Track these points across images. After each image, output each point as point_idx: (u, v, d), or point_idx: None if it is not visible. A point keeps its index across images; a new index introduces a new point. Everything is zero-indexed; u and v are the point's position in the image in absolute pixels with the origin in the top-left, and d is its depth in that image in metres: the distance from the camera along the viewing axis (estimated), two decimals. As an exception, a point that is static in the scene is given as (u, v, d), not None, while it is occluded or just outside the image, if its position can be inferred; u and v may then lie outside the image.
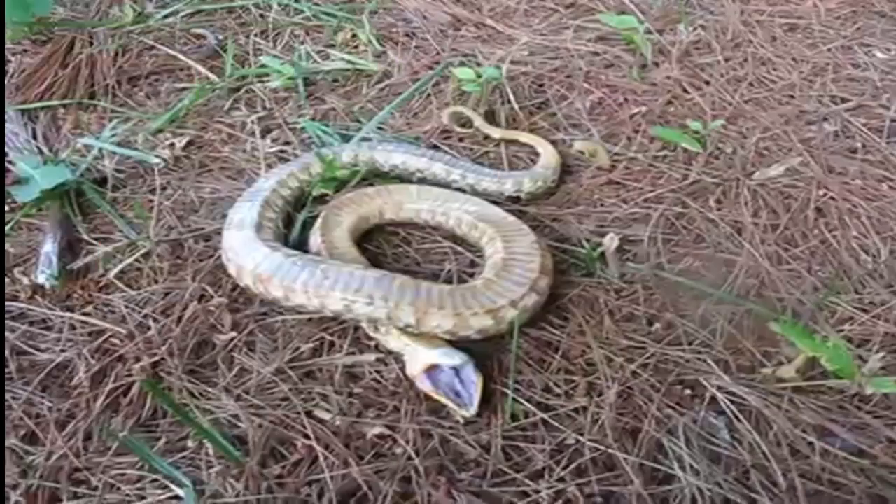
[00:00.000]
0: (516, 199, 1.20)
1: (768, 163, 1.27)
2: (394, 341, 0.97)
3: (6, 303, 1.03)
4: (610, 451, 0.87)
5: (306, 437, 0.88)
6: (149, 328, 1.00)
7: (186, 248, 1.11)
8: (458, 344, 0.95)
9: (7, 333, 1.00)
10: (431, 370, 0.92)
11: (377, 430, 0.89)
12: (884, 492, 0.84)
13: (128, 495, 0.84)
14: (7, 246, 1.13)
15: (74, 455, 0.87)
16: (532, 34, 1.58)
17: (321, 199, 1.19)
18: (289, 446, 0.88)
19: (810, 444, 0.88)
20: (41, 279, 1.06)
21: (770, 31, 1.60)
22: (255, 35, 1.58)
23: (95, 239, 1.14)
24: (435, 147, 1.30)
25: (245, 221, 1.06)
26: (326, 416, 0.91)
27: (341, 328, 1.00)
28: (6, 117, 1.36)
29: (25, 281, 1.06)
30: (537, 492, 0.84)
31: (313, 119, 1.36)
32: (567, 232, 1.15)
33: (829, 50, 1.54)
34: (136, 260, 1.10)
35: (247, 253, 1.02)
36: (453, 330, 0.94)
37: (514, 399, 0.92)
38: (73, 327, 1.01)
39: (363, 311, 0.95)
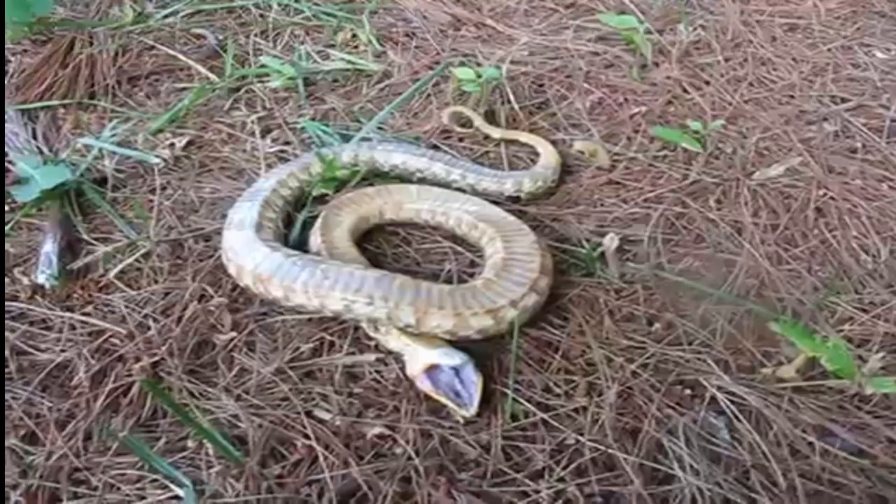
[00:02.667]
0: (516, 199, 1.20)
1: (768, 163, 1.27)
2: (394, 341, 0.97)
3: (6, 303, 1.03)
4: (610, 451, 0.87)
5: (306, 437, 0.88)
6: (149, 328, 1.00)
7: (186, 248, 1.11)
8: (458, 344, 0.95)
9: (7, 333, 1.00)
10: (431, 370, 0.92)
11: (377, 430, 0.89)
12: (884, 492, 0.85)
13: (128, 495, 0.84)
14: (7, 246, 1.13)
15: (74, 455, 0.87)
16: (532, 34, 1.58)
17: (321, 199, 1.19)
18: (289, 446, 0.88)
19: (810, 444, 0.88)
20: (41, 279, 1.06)
21: (770, 31, 1.60)
22: (255, 35, 1.58)
23: (95, 239, 1.14)
24: (435, 147, 1.30)
25: (245, 221, 1.06)
26: (326, 416, 0.91)
27: (341, 328, 1.00)
28: (6, 117, 1.36)
29: (25, 281, 1.06)
30: (537, 492, 0.84)
31: (313, 119, 1.36)
32: (567, 232, 1.15)
33: (829, 50, 1.54)
34: (136, 260, 1.10)
35: (247, 253, 1.02)
36: (453, 330, 0.94)
37: (514, 399, 0.92)
38: (73, 327, 1.01)
39: (363, 311, 0.95)
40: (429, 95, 1.42)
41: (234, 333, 1.00)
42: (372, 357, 0.97)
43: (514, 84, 1.42)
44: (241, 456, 0.87)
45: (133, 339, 0.99)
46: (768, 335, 0.98)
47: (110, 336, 1.00)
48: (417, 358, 0.93)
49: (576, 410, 0.92)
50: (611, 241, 1.07)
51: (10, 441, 0.89)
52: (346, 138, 1.30)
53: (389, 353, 0.97)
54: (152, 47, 1.54)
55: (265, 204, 1.10)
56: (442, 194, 1.16)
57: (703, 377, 0.95)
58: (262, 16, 1.64)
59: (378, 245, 1.14)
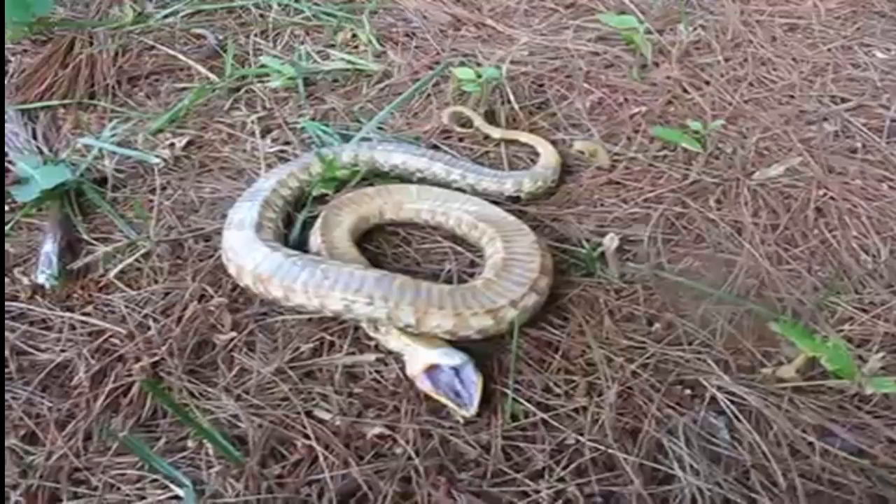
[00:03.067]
0: (516, 199, 1.20)
1: (768, 163, 1.27)
2: (394, 341, 0.97)
3: (6, 303, 1.03)
4: (610, 451, 0.87)
5: (306, 437, 0.88)
6: (149, 328, 1.00)
7: (186, 248, 1.11)
8: (458, 344, 0.95)
9: (7, 333, 1.00)
10: (431, 370, 0.92)
11: (377, 430, 0.89)
12: (884, 492, 0.85)
13: (128, 495, 0.84)
14: (7, 246, 1.13)
15: (74, 455, 0.87)
16: (532, 34, 1.58)
17: (321, 199, 1.19)
18: (289, 446, 0.88)
19: (810, 444, 0.88)
20: (41, 279, 1.06)
21: (770, 31, 1.60)
22: (255, 35, 1.58)
23: (95, 239, 1.14)
24: (435, 147, 1.30)
25: (245, 221, 1.06)
26: (326, 416, 0.91)
27: (341, 328, 1.00)
28: (6, 117, 1.36)
29: (25, 281, 1.06)
30: (537, 492, 0.84)
31: (313, 119, 1.36)
32: (567, 232, 1.15)
33: (829, 50, 1.54)
34: (136, 260, 1.10)
35: (247, 253, 1.02)
36: (453, 330, 0.94)
37: (514, 399, 0.92)
38: (73, 327, 1.01)
39: (363, 311, 0.95)
40: (429, 95, 1.42)
41: (234, 333, 1.00)
42: (372, 357, 0.97)
43: (514, 84, 1.42)
44: (241, 456, 0.87)
45: (133, 339, 0.99)
46: (768, 335, 0.98)
47: (110, 336, 1.00)
48: (417, 358, 0.93)
49: (576, 410, 0.92)
50: (611, 241, 1.07)
51: (10, 441, 0.89)
52: (346, 138, 1.30)
53: (389, 353, 0.97)
54: (152, 47, 1.54)
55: (265, 204, 1.10)
56: (442, 194, 1.16)
57: (703, 377, 0.95)
58: (262, 16, 1.64)
59: (378, 245, 1.14)
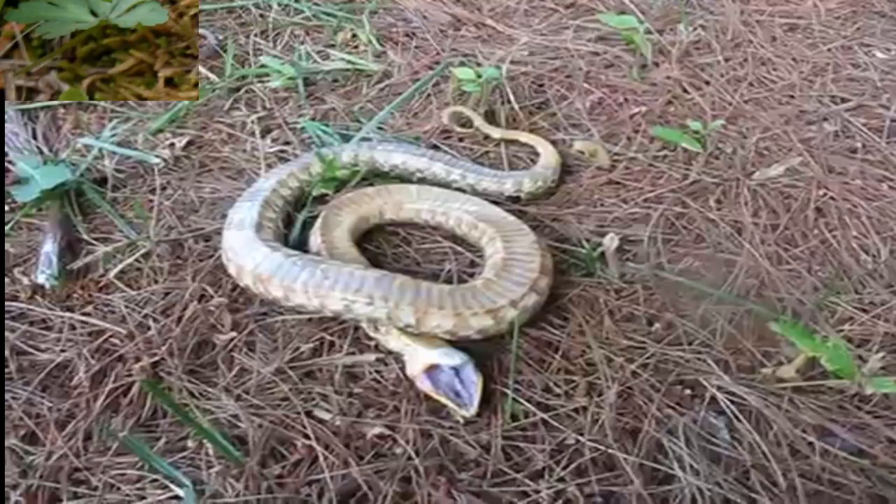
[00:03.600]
0: (516, 199, 1.20)
1: (768, 163, 1.27)
2: (394, 341, 0.97)
3: (6, 303, 1.03)
4: (610, 451, 0.87)
5: (306, 437, 0.88)
6: (149, 328, 1.00)
7: (186, 248, 1.11)
8: (458, 344, 0.95)
9: (7, 333, 1.00)
10: (431, 370, 0.92)
11: (377, 430, 0.89)
12: (884, 492, 0.85)
13: (128, 495, 0.84)
14: (7, 246, 1.13)
15: (74, 455, 0.87)
16: (532, 34, 1.58)
17: (321, 199, 1.19)
18: (289, 446, 0.88)
19: (810, 444, 0.88)
20: (41, 279, 1.06)
21: (770, 31, 1.60)
22: (255, 35, 1.58)
23: (95, 239, 1.14)
24: (435, 147, 1.30)
25: (245, 221, 1.06)
26: (326, 416, 0.91)
27: (341, 328, 1.00)
28: (6, 117, 1.36)
29: (25, 281, 1.06)
30: (537, 492, 0.84)
31: (313, 119, 1.36)
32: (567, 232, 1.15)
33: (829, 50, 1.54)
34: (136, 260, 1.10)
35: (247, 253, 1.02)
36: (453, 330, 0.94)
37: (514, 399, 0.92)
38: (73, 327, 1.01)
39: (363, 311, 0.95)
40: (429, 95, 1.42)
41: (234, 333, 1.00)
42: (372, 357, 0.97)
43: (514, 84, 1.42)
44: (241, 456, 0.87)
45: (133, 339, 0.99)
46: (768, 335, 0.98)
47: (110, 336, 1.00)
48: (417, 358, 0.93)
49: (576, 410, 0.92)
50: (611, 241, 1.07)
51: (10, 441, 0.89)
52: (346, 138, 1.30)
53: (389, 353, 0.97)
54: (152, 47, 1.54)
55: (265, 204, 1.10)
56: (442, 194, 1.16)
57: (703, 377, 0.95)
58: (262, 16, 1.64)
59: (378, 245, 1.14)
